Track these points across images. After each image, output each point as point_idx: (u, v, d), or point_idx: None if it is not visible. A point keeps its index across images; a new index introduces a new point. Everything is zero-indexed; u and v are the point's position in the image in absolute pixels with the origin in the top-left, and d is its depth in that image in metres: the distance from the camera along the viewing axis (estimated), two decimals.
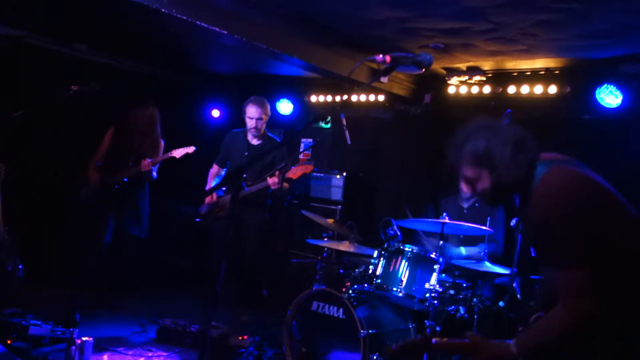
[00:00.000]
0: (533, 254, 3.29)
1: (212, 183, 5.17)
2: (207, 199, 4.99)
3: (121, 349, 4.25)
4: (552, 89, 5.10)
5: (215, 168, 5.21)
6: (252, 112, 4.86)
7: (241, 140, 5.02)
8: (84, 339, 3.84)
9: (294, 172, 4.57)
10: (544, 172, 1.91)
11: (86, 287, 5.00)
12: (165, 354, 4.25)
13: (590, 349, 1.81)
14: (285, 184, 4.66)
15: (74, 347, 3.81)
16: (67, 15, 4.92)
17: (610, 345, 1.80)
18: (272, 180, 4.49)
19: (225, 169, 5.17)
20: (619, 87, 4.71)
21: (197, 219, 5.04)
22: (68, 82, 4.44)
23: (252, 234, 4.87)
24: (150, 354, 4.22)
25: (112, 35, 5.61)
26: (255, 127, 4.87)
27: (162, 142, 5.28)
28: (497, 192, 2.05)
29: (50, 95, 4.36)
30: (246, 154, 4.96)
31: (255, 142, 4.99)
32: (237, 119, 7.11)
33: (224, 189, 4.97)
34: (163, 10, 3.75)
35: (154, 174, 5.17)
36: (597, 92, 4.79)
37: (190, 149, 5.08)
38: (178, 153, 5.06)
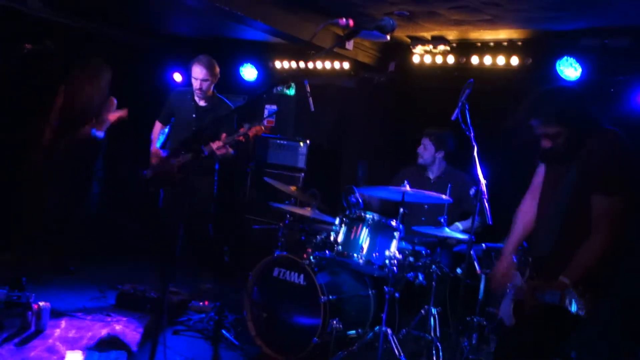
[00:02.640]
0: (490, 222, 3.37)
1: (156, 142, 4.97)
2: (154, 160, 4.76)
3: (79, 314, 4.21)
4: (515, 61, 5.15)
5: (158, 125, 4.98)
6: (197, 72, 4.63)
7: (188, 100, 4.80)
8: (40, 304, 3.79)
9: (254, 131, 4.45)
10: (606, 133, 2.48)
11: (40, 252, 4.89)
12: (124, 319, 4.23)
13: (616, 263, 2.38)
14: (228, 150, 4.52)
15: (30, 312, 3.76)
16: None
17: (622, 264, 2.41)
18: (216, 144, 4.38)
19: (168, 126, 4.97)
20: (578, 60, 4.78)
21: (143, 185, 4.80)
22: (21, 41, 4.26)
23: (200, 198, 4.74)
24: (109, 319, 4.19)
25: None
26: (200, 89, 4.65)
27: (114, 100, 5.09)
28: (571, 145, 2.50)
29: (3, 53, 4.18)
30: (194, 115, 4.77)
31: (202, 103, 4.78)
32: None
33: (166, 150, 4.83)
34: None
35: (100, 134, 4.98)
36: (557, 64, 4.86)
37: (124, 112, 4.98)
38: (112, 116, 4.94)
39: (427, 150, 4.75)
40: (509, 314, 2.67)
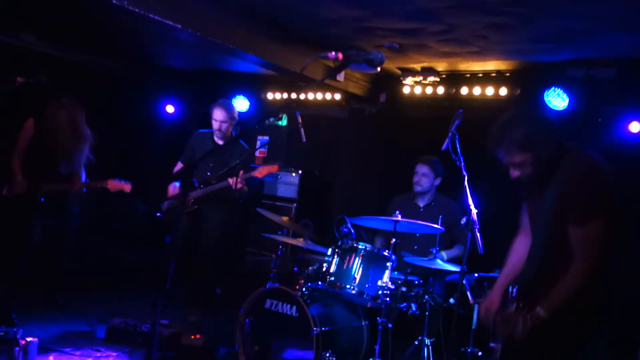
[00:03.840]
0: (482, 251, 3.36)
1: (176, 182, 5.11)
2: (170, 191, 5.00)
3: (68, 349, 4.13)
4: (503, 91, 5.24)
5: (179, 166, 5.18)
6: (217, 114, 4.93)
7: (208, 140, 5.09)
8: (28, 339, 3.72)
9: (260, 171, 4.70)
10: (578, 154, 2.43)
11: (27, 286, 4.82)
12: (114, 354, 4.15)
13: (594, 292, 2.33)
14: (244, 186, 4.75)
15: (17, 348, 3.69)
16: (15, 4, 4.74)
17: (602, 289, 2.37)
18: (232, 181, 4.60)
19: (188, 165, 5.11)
20: (565, 91, 4.87)
21: (158, 214, 5.02)
22: (14, 74, 4.28)
23: (211, 230, 4.92)
24: (98, 354, 4.11)
25: (63, 27, 5.44)
26: (220, 130, 4.94)
27: (89, 133, 5.01)
28: (540, 170, 2.45)
29: None
30: (210, 151, 5.01)
31: (220, 142, 5.05)
32: (191, 114, 7.06)
33: (180, 184, 4.94)
34: (114, 1, 3.66)
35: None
36: (545, 94, 4.94)
37: (127, 187, 4.88)
38: (113, 186, 4.84)
39: (427, 178, 4.74)
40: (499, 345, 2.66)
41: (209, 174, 4.90)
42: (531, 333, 2.32)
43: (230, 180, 4.63)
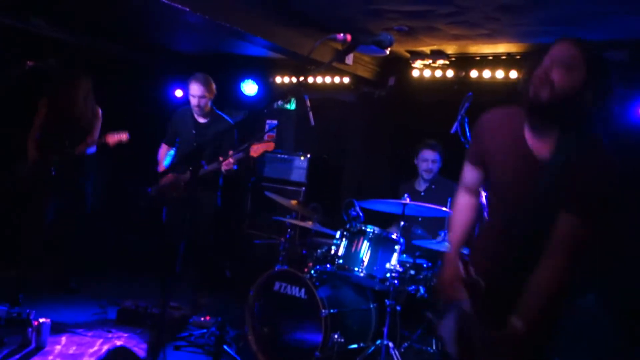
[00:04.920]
0: None
1: (162, 163, 4.99)
2: (163, 180, 4.78)
3: (80, 330, 4.20)
4: (513, 74, 5.19)
5: (164, 147, 5.01)
6: (194, 89, 4.66)
7: (189, 117, 4.82)
8: (41, 320, 3.78)
9: (255, 150, 4.47)
10: (588, 140, 2.00)
11: (39, 267, 4.89)
12: (125, 335, 4.21)
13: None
14: (232, 166, 4.52)
15: (30, 329, 3.75)
16: None
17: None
18: (227, 162, 4.39)
19: (174, 148, 4.99)
20: None
21: (147, 202, 4.85)
22: (24, 58, 4.29)
23: (204, 214, 4.76)
24: (110, 335, 4.18)
25: (72, 11, 5.44)
26: (198, 105, 4.68)
27: (100, 111, 5.08)
28: (566, 101, 1.94)
29: (6, 70, 4.21)
30: (193, 131, 4.79)
31: (201, 120, 4.81)
32: None
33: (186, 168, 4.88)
34: None
35: (92, 149, 5.00)
36: None
37: (124, 136, 4.90)
38: (111, 140, 4.89)
39: (437, 163, 4.77)
40: (451, 340, 2.24)
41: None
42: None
43: (224, 163, 4.39)
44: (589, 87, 1.93)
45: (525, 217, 2.07)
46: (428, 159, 4.75)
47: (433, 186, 4.78)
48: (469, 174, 2.39)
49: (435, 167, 4.75)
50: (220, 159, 4.39)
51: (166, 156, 5.00)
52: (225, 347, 3.99)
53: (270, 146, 4.49)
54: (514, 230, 2.10)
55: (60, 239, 5.10)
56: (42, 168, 4.80)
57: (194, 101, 4.68)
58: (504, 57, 5.31)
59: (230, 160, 4.38)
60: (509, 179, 2.15)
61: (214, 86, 4.77)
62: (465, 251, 2.34)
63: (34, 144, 4.89)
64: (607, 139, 2.04)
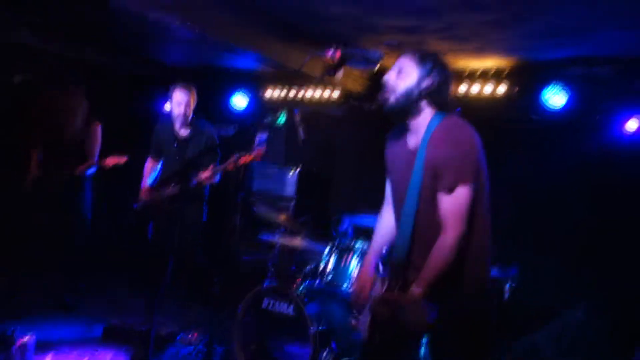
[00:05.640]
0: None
1: (147, 178, 4.86)
2: (144, 195, 4.70)
3: (65, 348, 4.13)
4: (501, 89, 5.21)
5: (150, 162, 4.89)
6: (179, 97, 4.55)
7: (169, 130, 4.70)
8: (25, 338, 3.71)
9: (244, 159, 4.33)
10: (443, 117, 2.33)
11: (33, 285, 4.85)
12: (111, 353, 4.15)
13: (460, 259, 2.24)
14: (212, 179, 4.47)
15: (14, 347, 3.68)
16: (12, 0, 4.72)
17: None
18: (206, 175, 4.33)
19: (161, 162, 4.88)
20: (564, 88, 4.85)
21: (132, 218, 4.86)
22: (11, 70, 4.26)
23: (190, 227, 4.69)
24: (96, 353, 4.11)
25: (60, 23, 5.41)
26: (184, 114, 4.56)
27: (99, 128, 5.05)
28: (405, 98, 2.35)
29: None
30: (175, 145, 4.69)
31: (183, 132, 4.69)
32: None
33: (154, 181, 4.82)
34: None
35: (91, 170, 4.99)
36: (543, 92, 4.93)
37: (122, 159, 4.88)
38: (109, 162, 4.88)
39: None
40: (364, 326, 2.49)
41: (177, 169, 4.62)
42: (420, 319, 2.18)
43: (203, 175, 4.33)
44: (424, 78, 2.34)
45: (408, 204, 2.34)
46: None
47: None
48: (386, 187, 2.71)
49: None
50: (201, 173, 4.33)
51: (152, 171, 4.89)
52: None
53: (259, 154, 4.38)
54: (401, 218, 2.38)
55: (57, 255, 5.05)
56: (43, 185, 4.80)
57: (179, 109, 4.56)
58: (492, 72, 5.34)
59: (208, 173, 4.30)
60: (397, 177, 2.50)
61: (196, 94, 4.70)
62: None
63: (36, 160, 4.88)
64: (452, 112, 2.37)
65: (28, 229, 4.92)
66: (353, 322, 2.67)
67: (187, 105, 4.57)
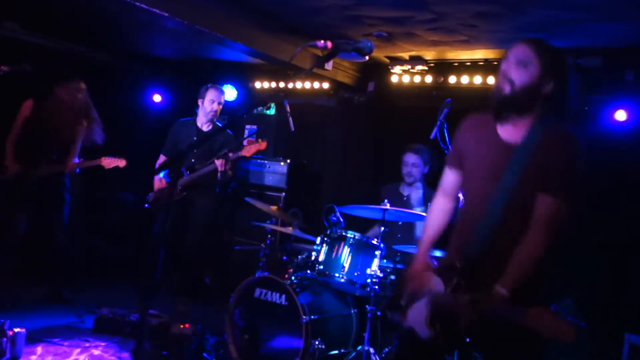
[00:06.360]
0: None
1: (159, 173, 5.05)
2: (156, 184, 4.95)
3: (56, 339, 4.12)
4: (491, 80, 5.25)
5: (162, 159, 5.13)
6: (216, 96, 4.98)
7: (190, 126, 5.08)
8: (15, 330, 3.70)
9: (248, 150, 4.70)
10: (554, 125, 2.18)
11: (18, 277, 4.81)
12: (103, 344, 4.14)
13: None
14: (230, 170, 4.73)
15: (5, 339, 3.66)
16: None
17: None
18: (220, 162, 4.59)
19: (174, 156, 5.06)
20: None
21: (146, 205, 4.97)
22: None
23: (199, 218, 4.92)
24: (87, 345, 4.10)
25: (47, 15, 5.36)
26: (215, 112, 4.98)
27: (95, 116, 5.03)
28: (527, 92, 2.16)
29: None
30: (195, 139, 4.99)
31: (205, 128, 5.05)
32: (179, 104, 7.01)
33: (168, 174, 4.92)
34: None
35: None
36: None
37: (122, 163, 4.95)
38: (107, 163, 4.89)
39: (417, 167, 4.70)
40: (423, 325, 2.25)
41: (193, 160, 4.88)
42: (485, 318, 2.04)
43: (217, 162, 4.61)
44: (546, 79, 2.16)
45: (498, 198, 2.19)
46: (408, 163, 4.73)
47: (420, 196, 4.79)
48: (447, 177, 2.53)
49: (415, 171, 4.71)
50: (217, 161, 4.60)
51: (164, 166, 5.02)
52: (205, 355, 3.96)
53: (263, 145, 4.71)
54: (485, 215, 2.22)
55: (42, 247, 5.01)
56: (25, 179, 4.74)
57: (213, 107, 4.97)
58: (481, 63, 5.38)
59: (223, 161, 4.59)
60: (482, 167, 2.30)
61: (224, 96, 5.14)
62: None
63: (12, 147, 4.80)
64: (572, 123, 2.22)
65: (11, 224, 4.86)
66: (393, 317, 2.52)
67: (220, 103, 5.00)
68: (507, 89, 2.18)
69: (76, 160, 4.94)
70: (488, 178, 2.25)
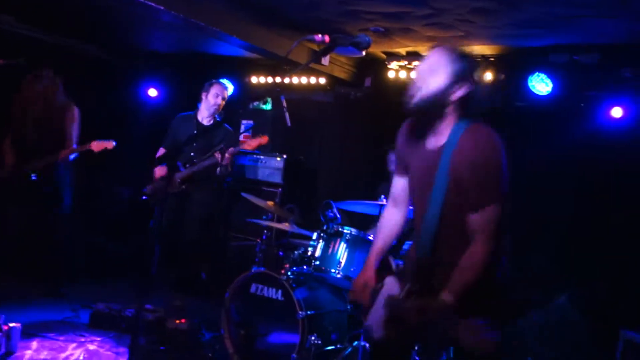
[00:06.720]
0: None
1: (158, 165, 5.07)
2: (157, 173, 4.98)
3: (52, 334, 4.11)
4: (487, 76, 5.25)
5: (162, 152, 5.14)
6: (221, 90, 5.04)
7: (191, 120, 5.10)
8: (11, 324, 3.69)
9: (249, 144, 4.74)
10: (469, 125, 2.23)
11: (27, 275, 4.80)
12: (98, 339, 4.13)
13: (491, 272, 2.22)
14: (229, 165, 4.81)
15: (0, 333, 3.66)
16: None
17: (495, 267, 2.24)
18: (219, 155, 4.65)
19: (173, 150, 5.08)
20: (549, 76, 4.89)
21: (144, 197, 5.02)
22: None
23: (195, 212, 4.94)
24: (82, 339, 4.09)
25: (42, 8, 5.33)
26: (218, 105, 5.03)
27: (76, 110, 4.95)
28: (432, 100, 2.22)
29: None
30: (195, 132, 5.02)
31: (206, 122, 5.08)
32: (175, 98, 6.98)
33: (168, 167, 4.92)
34: None
35: (74, 155, 4.95)
36: (529, 79, 4.97)
37: (110, 144, 4.87)
38: (97, 146, 4.82)
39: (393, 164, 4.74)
40: (379, 324, 2.37)
41: (192, 154, 4.89)
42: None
43: (217, 155, 4.66)
44: (457, 84, 2.21)
45: (432, 205, 2.27)
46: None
47: None
48: (396, 184, 2.61)
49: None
50: (216, 154, 4.65)
51: (163, 159, 5.03)
52: (201, 349, 3.95)
53: (264, 140, 4.78)
54: (425, 218, 2.30)
55: (46, 244, 5.00)
56: (21, 174, 4.73)
57: (217, 101, 5.02)
58: (478, 59, 5.35)
59: (228, 155, 4.67)
60: (416, 173, 2.41)
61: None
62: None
63: (10, 147, 4.81)
64: (486, 121, 2.27)
65: (9, 220, 4.86)
66: (363, 319, 2.60)
67: (224, 98, 5.05)
68: (416, 95, 2.25)
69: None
70: (423, 185, 2.34)
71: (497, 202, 2.18)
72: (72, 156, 4.89)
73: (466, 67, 2.23)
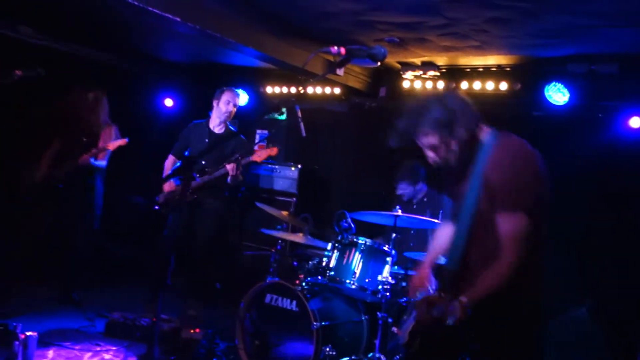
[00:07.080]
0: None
1: (168, 172, 5.16)
2: (166, 187, 5.00)
3: (68, 343, 4.13)
4: (503, 86, 5.22)
5: (170, 159, 5.19)
6: (233, 98, 5.06)
7: (203, 128, 5.12)
8: (27, 333, 3.71)
9: (259, 155, 4.72)
10: (498, 138, 2.36)
11: (40, 282, 4.84)
12: (114, 348, 4.15)
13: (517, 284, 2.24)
14: (240, 175, 4.75)
15: (17, 342, 3.68)
16: None
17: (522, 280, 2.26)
18: (231, 166, 4.62)
19: (180, 161, 5.13)
20: (566, 86, 4.85)
21: (156, 207, 5.04)
22: (12, 67, 4.24)
23: (207, 220, 4.93)
24: (98, 349, 4.11)
25: (61, 20, 5.40)
26: (230, 113, 5.04)
27: (114, 127, 5.13)
28: (461, 151, 2.36)
29: None
30: (207, 140, 5.02)
31: (218, 130, 5.09)
32: (190, 108, 7.02)
33: (180, 177, 4.95)
34: None
35: (101, 163, 5.02)
36: (546, 89, 4.93)
37: (123, 141, 5.00)
38: (112, 145, 4.96)
39: (406, 190, 4.81)
40: (406, 331, 2.57)
41: (204, 163, 4.89)
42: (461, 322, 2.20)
43: (229, 167, 4.65)
44: (453, 135, 2.35)
45: (461, 219, 2.41)
46: (399, 189, 4.83)
47: (425, 198, 4.78)
48: (449, 205, 2.75)
49: (406, 194, 4.82)
50: (228, 165, 4.64)
51: (172, 168, 5.17)
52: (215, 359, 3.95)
53: (274, 151, 4.76)
54: (456, 233, 2.45)
55: (63, 252, 5.06)
56: (49, 182, 4.86)
57: (228, 108, 5.03)
58: (494, 69, 5.34)
59: (234, 165, 4.63)
60: (455, 190, 2.54)
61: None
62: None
63: (48, 158, 4.96)
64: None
65: (31, 227, 4.93)
66: (395, 329, 2.73)
67: (235, 105, 5.07)
68: (436, 163, 2.44)
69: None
70: (457, 199, 2.48)
71: (523, 211, 2.21)
72: (97, 163, 4.96)
73: (446, 118, 2.35)
